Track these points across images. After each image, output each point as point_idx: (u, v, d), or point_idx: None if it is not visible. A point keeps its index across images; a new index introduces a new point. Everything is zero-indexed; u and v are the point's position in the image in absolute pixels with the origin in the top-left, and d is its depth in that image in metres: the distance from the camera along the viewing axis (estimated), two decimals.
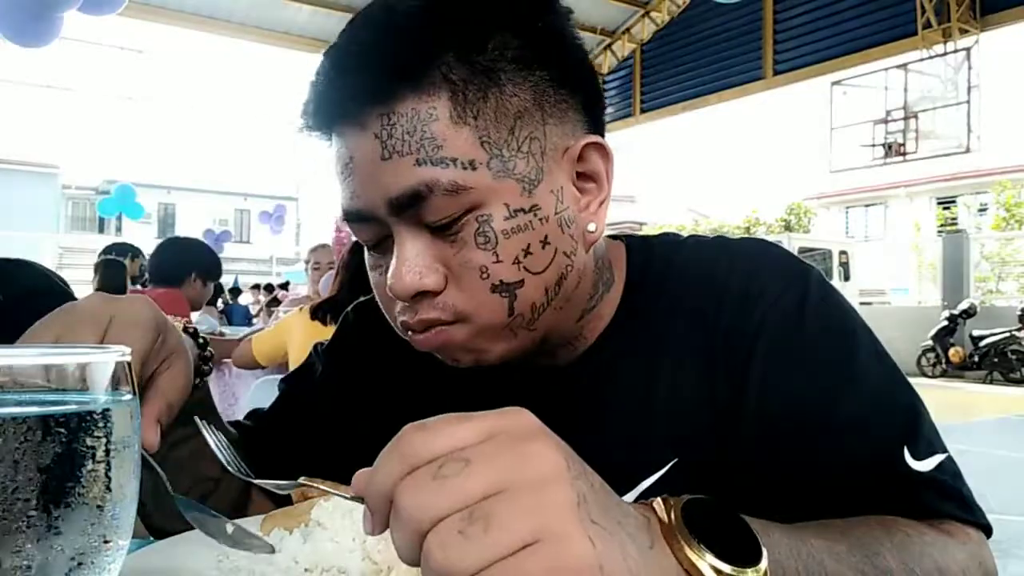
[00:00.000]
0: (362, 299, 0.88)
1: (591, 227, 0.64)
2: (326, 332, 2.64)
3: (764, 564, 0.39)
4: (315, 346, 0.89)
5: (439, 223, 0.58)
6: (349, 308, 0.89)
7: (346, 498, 0.41)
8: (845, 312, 0.66)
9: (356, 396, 0.81)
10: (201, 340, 0.70)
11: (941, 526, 0.57)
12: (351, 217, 0.62)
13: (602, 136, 0.66)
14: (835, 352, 0.63)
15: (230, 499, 0.75)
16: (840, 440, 0.60)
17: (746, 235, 0.64)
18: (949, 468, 0.61)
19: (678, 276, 0.70)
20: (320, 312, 2.72)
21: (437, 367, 0.67)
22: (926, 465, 0.60)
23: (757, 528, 0.41)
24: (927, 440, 0.61)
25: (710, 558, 0.38)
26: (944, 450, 0.62)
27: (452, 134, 0.57)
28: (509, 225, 0.59)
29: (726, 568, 0.38)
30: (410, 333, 0.63)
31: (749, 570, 0.38)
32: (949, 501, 0.59)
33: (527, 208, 0.59)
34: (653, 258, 0.72)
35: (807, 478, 0.60)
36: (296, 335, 2.79)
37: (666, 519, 0.39)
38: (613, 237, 0.75)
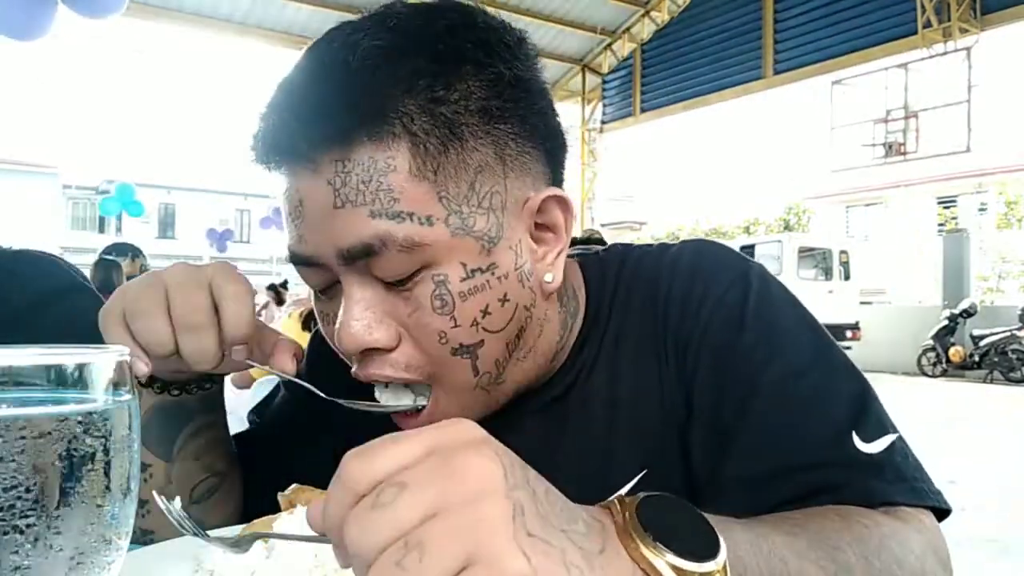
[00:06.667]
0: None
1: (548, 278, 0.63)
2: None
3: (723, 557, 0.38)
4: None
5: (392, 279, 0.57)
6: (313, 333, 0.86)
7: (308, 539, 0.40)
8: (787, 305, 0.66)
9: (328, 419, 0.79)
10: None
11: (896, 513, 0.56)
12: (297, 260, 0.60)
13: (561, 186, 0.65)
14: (777, 347, 0.63)
15: (233, 499, 0.75)
16: (789, 429, 0.60)
17: (699, 237, 0.62)
18: (900, 449, 0.60)
19: (627, 288, 0.70)
20: (312, 321, 2.72)
21: None
22: (876, 447, 0.59)
23: (717, 525, 0.40)
24: (876, 422, 0.60)
25: (668, 556, 0.37)
26: (895, 430, 0.61)
27: (410, 187, 0.55)
28: (467, 286, 0.57)
29: (684, 564, 0.37)
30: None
31: (707, 563, 0.37)
32: (900, 483, 0.58)
33: (485, 267, 0.58)
34: (606, 274, 0.72)
35: (758, 469, 0.60)
36: None
37: (620, 519, 0.38)
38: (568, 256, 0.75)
